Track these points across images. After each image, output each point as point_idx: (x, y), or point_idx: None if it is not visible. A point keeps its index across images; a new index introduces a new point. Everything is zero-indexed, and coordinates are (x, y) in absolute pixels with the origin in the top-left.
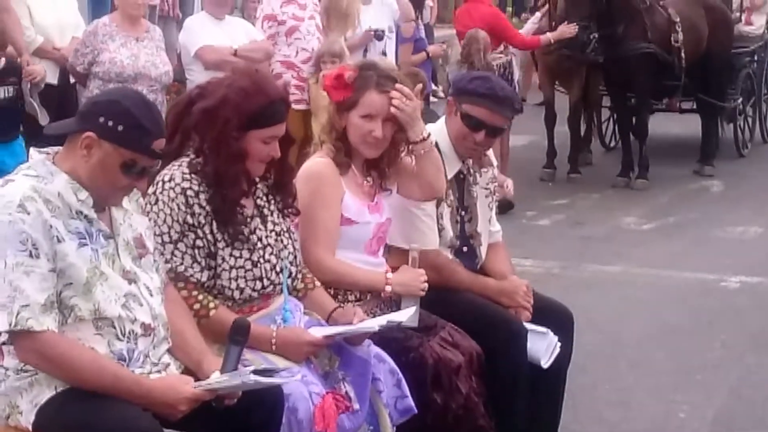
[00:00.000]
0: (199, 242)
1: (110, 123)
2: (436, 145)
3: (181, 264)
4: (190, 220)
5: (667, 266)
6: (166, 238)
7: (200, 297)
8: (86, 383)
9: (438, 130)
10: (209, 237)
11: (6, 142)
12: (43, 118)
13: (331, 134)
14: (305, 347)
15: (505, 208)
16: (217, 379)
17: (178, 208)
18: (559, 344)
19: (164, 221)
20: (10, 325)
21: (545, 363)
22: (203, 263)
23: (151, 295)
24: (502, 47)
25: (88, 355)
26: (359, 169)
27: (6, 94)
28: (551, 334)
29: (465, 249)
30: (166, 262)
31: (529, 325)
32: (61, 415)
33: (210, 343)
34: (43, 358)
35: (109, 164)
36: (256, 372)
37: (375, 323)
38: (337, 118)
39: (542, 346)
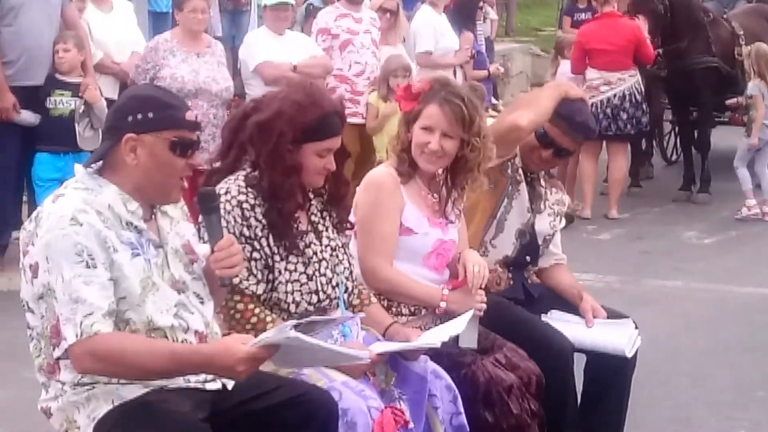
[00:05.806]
0: (255, 254)
1: (139, 116)
2: None
3: (237, 276)
4: (246, 232)
5: (728, 281)
6: None
7: (257, 311)
8: (146, 369)
9: None
10: (266, 249)
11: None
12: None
13: (397, 145)
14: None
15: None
16: (266, 334)
17: (234, 221)
18: (639, 337)
19: None
20: (76, 336)
21: (629, 352)
22: (259, 276)
23: (202, 302)
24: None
25: (140, 341)
26: (425, 182)
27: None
28: (632, 323)
29: (529, 238)
30: None
31: (605, 321)
32: (118, 429)
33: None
34: (99, 359)
35: (159, 153)
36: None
37: (437, 339)
38: (404, 129)
39: (624, 336)
